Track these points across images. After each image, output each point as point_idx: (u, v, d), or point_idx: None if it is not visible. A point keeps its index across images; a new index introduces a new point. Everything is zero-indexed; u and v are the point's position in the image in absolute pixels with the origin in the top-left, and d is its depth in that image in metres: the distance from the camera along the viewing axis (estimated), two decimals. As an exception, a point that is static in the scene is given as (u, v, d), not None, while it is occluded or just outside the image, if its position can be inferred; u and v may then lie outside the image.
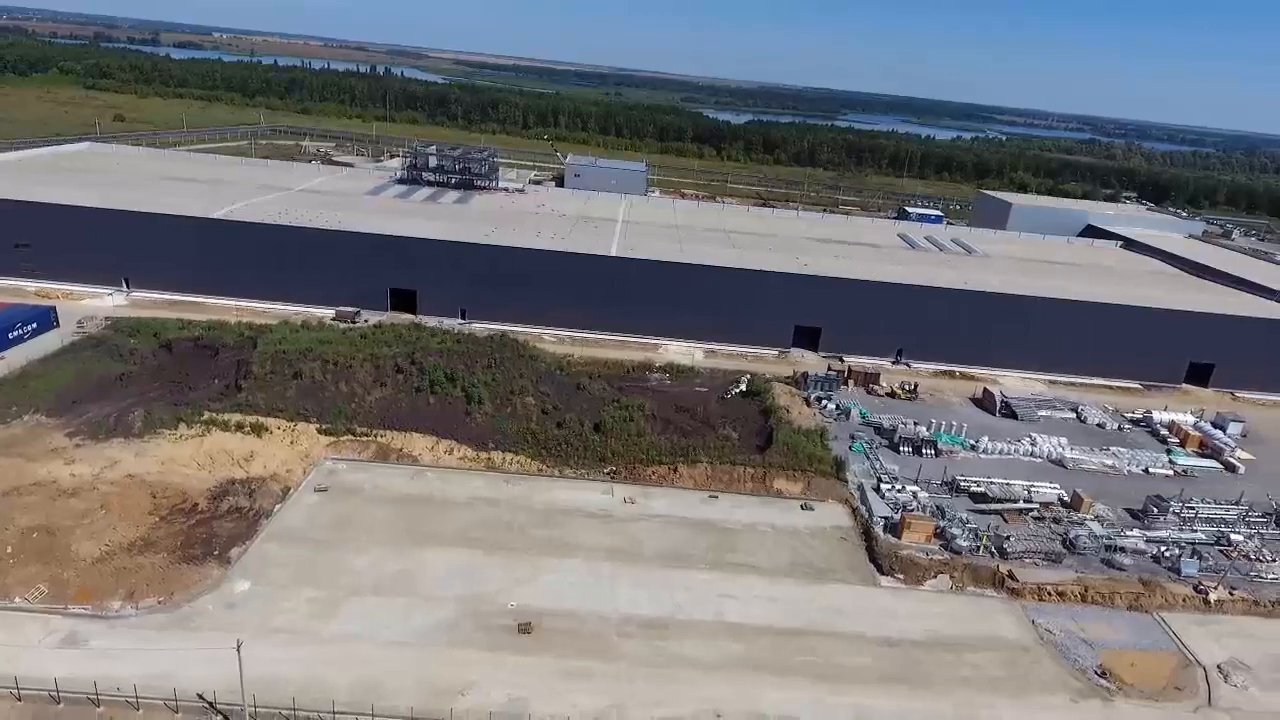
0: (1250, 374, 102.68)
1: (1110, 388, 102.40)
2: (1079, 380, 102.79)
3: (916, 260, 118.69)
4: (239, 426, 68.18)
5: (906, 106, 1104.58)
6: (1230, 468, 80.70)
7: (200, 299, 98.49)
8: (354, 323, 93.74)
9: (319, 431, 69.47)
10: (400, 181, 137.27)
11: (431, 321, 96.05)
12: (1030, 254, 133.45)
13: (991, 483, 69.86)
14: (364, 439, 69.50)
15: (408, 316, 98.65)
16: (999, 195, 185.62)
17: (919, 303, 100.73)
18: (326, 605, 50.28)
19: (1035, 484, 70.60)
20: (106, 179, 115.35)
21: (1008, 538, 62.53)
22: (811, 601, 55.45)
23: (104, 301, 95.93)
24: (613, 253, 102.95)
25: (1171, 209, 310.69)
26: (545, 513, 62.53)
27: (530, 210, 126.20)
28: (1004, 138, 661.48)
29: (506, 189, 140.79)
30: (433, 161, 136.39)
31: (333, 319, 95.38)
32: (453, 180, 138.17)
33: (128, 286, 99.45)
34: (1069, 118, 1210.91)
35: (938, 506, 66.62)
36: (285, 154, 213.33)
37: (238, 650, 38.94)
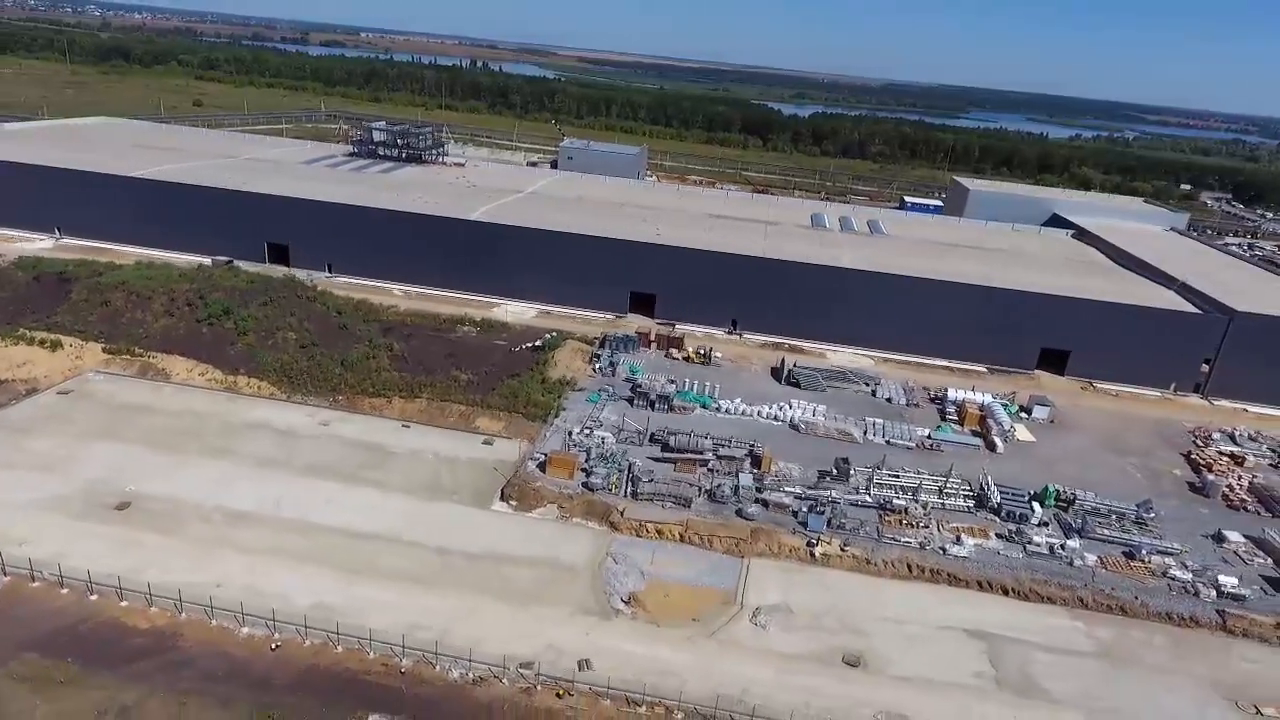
0: (1110, 363, 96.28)
1: (952, 370, 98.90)
2: (921, 360, 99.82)
3: (792, 237, 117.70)
4: (41, 342, 79.58)
5: (1043, 104, 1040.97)
6: (991, 446, 77.96)
7: (114, 246, 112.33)
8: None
9: (104, 350, 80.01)
10: (351, 155, 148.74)
11: (301, 274, 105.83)
12: (952, 239, 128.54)
13: (679, 435, 71.42)
14: (136, 358, 79.43)
15: (282, 268, 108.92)
16: (963, 181, 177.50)
17: (753, 273, 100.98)
18: (-19, 475, 59.84)
19: (730, 441, 71.55)
20: (82, 145, 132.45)
21: (650, 481, 64.49)
22: (406, 515, 59.89)
23: (33, 245, 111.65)
24: (470, 218, 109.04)
25: (1259, 209, 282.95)
26: (238, 426, 69.91)
27: (446, 181, 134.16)
28: (1131, 136, 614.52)
29: (445, 163, 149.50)
30: (378, 136, 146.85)
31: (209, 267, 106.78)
32: (404, 155, 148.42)
33: (59, 233, 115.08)
34: (1235, 118, 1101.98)
35: (611, 451, 69.06)
36: (322, 135, 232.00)
37: None
